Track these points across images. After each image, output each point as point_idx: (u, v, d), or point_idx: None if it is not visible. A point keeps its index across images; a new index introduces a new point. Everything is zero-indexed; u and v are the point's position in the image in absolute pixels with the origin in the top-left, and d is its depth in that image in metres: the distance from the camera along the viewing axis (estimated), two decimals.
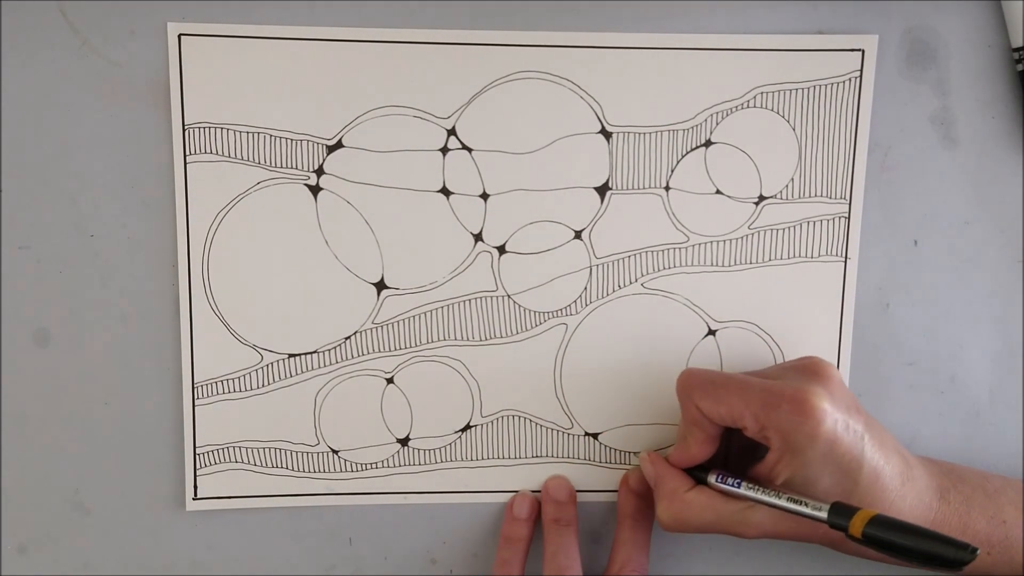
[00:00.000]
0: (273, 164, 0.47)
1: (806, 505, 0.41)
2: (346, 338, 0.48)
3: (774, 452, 0.42)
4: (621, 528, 0.49)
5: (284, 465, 0.49)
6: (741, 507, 0.44)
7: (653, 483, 0.47)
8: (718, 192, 0.48)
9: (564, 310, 0.49)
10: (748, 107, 0.47)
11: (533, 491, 0.50)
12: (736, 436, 0.45)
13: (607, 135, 0.47)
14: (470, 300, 0.48)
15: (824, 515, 0.40)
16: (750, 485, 0.43)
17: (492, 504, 0.50)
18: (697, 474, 0.46)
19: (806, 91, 0.47)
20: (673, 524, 0.45)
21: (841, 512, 0.40)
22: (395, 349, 0.49)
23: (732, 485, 0.44)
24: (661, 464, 0.47)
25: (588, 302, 0.49)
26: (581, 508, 0.50)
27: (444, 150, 0.47)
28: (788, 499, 0.42)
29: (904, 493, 0.43)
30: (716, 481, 0.45)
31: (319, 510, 0.50)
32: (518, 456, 0.50)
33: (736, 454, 0.47)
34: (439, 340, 0.49)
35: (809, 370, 0.44)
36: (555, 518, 0.48)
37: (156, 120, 0.46)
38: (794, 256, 0.49)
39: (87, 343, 0.48)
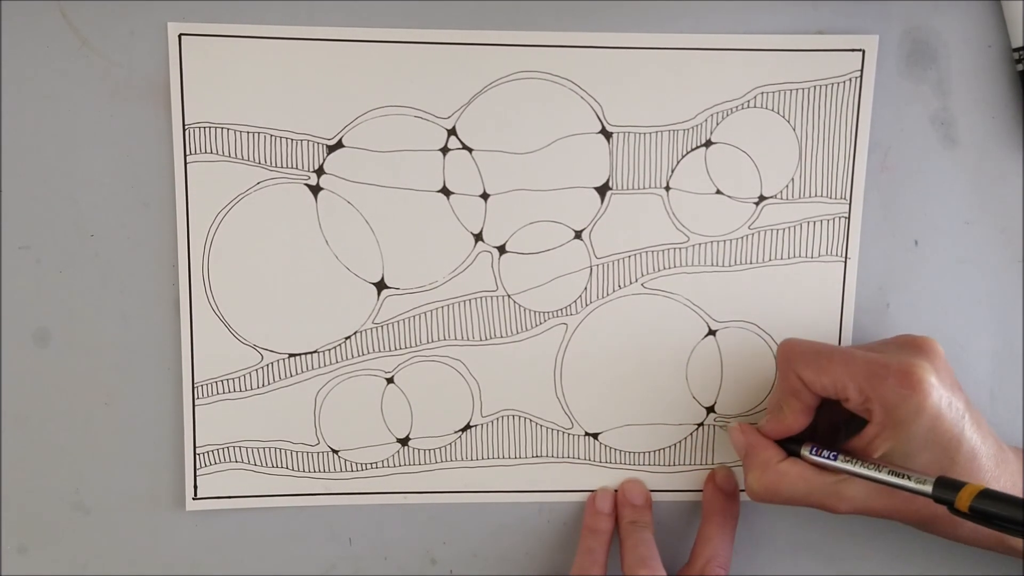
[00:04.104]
0: (273, 164, 0.47)
1: (909, 478, 0.41)
2: (346, 338, 0.48)
3: (874, 425, 0.42)
4: (708, 524, 0.48)
5: (284, 465, 0.49)
6: (835, 480, 0.43)
7: (743, 453, 0.46)
8: (718, 192, 0.48)
9: (564, 310, 0.49)
10: (748, 107, 0.47)
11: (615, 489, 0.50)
12: (823, 412, 0.45)
13: (607, 135, 0.47)
14: (470, 300, 0.48)
15: (928, 488, 0.40)
16: (847, 458, 0.43)
17: (492, 504, 0.50)
18: (789, 446, 0.46)
19: (806, 91, 0.47)
20: (764, 494, 0.45)
21: (947, 486, 0.39)
22: (395, 349, 0.49)
23: (828, 457, 0.44)
24: (753, 434, 0.46)
25: (588, 302, 0.49)
26: (580, 507, 0.50)
27: (444, 150, 0.47)
28: (889, 472, 0.41)
29: (998, 475, 0.43)
30: (810, 453, 0.44)
31: (319, 510, 0.50)
32: (518, 456, 0.50)
33: (823, 430, 0.47)
34: (439, 340, 0.49)
35: (914, 345, 0.44)
36: (632, 520, 0.48)
37: (156, 120, 0.46)
38: (794, 256, 0.49)
39: (87, 343, 0.48)
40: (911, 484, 0.41)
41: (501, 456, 0.50)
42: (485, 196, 0.48)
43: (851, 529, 0.51)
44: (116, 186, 0.47)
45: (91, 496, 0.49)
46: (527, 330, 0.49)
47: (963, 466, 0.42)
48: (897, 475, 0.41)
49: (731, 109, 0.47)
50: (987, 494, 0.39)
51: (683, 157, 0.48)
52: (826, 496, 0.44)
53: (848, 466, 0.43)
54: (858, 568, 0.52)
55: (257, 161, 0.47)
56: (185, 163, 0.46)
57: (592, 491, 0.50)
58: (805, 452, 0.45)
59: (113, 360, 0.48)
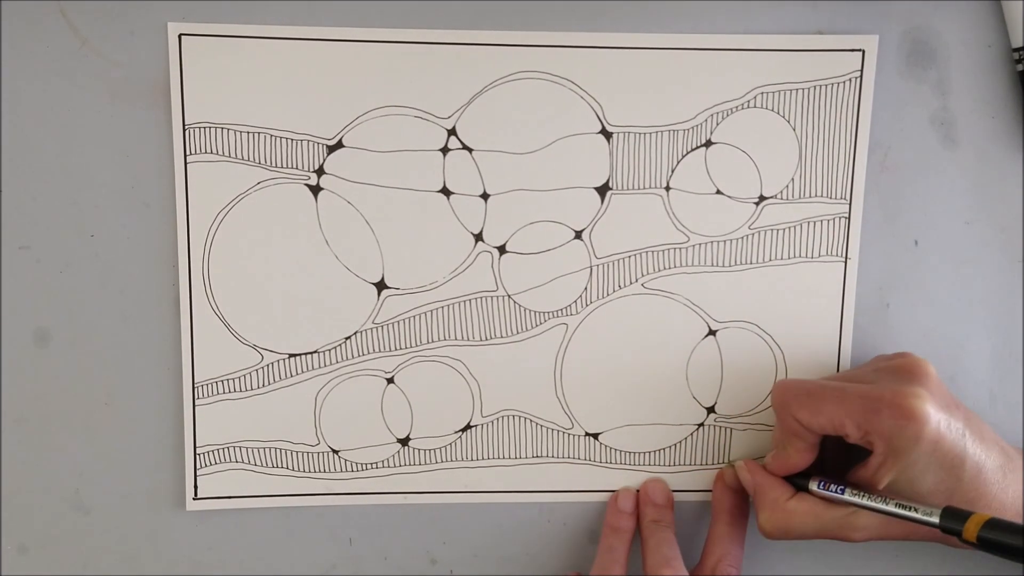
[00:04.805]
0: (273, 164, 0.47)
1: (916, 511, 0.41)
2: (346, 338, 0.48)
3: (877, 456, 0.43)
4: (717, 523, 0.49)
5: (284, 465, 0.49)
6: (845, 513, 0.44)
7: (752, 492, 0.47)
8: (718, 192, 0.48)
9: (564, 310, 0.49)
10: (748, 107, 0.47)
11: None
12: (830, 439, 0.45)
13: (607, 135, 0.47)
14: (470, 300, 0.48)
15: (936, 520, 0.41)
16: (854, 491, 0.43)
17: (492, 504, 0.50)
18: (797, 481, 0.46)
19: (806, 91, 0.47)
20: (777, 533, 0.45)
21: (953, 516, 0.40)
22: (395, 349, 0.49)
23: (836, 491, 0.44)
24: (760, 473, 0.47)
25: (588, 302, 0.49)
26: (580, 507, 0.50)
27: (444, 150, 0.47)
28: (896, 504, 0.42)
29: (1006, 485, 0.43)
30: (818, 488, 0.45)
31: (319, 510, 0.50)
32: (518, 456, 0.50)
33: (831, 457, 0.47)
34: (439, 340, 0.49)
35: (904, 370, 0.44)
36: (654, 519, 0.49)
37: (156, 120, 0.46)
38: (794, 256, 0.49)
39: (87, 343, 0.48)
40: (918, 516, 0.41)
41: (501, 456, 0.50)
42: (485, 196, 0.48)
43: None
44: (116, 186, 0.47)
45: (91, 496, 0.49)
46: (527, 330, 0.49)
47: (969, 484, 0.42)
48: (904, 507, 0.42)
49: (731, 109, 0.47)
50: (993, 524, 0.39)
51: (683, 157, 0.48)
52: (839, 529, 0.44)
53: (856, 499, 0.43)
54: (860, 569, 0.52)
55: (257, 161, 0.47)
56: (185, 163, 0.46)
57: (597, 491, 0.50)
58: (813, 487, 0.45)
59: (113, 360, 0.48)
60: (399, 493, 0.50)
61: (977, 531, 0.39)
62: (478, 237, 0.48)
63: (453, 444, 0.50)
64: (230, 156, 0.46)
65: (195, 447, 0.48)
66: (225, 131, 0.46)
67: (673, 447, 0.50)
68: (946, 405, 0.42)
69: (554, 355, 0.49)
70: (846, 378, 0.45)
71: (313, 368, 0.48)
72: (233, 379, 0.48)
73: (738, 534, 0.48)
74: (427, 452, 0.49)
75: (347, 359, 0.48)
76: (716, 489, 0.50)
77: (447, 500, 0.50)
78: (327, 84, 0.46)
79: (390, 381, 0.49)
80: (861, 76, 0.47)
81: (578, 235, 0.48)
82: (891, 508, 0.42)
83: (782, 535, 0.45)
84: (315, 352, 0.48)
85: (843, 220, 0.49)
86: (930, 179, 0.49)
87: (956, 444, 0.42)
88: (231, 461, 0.49)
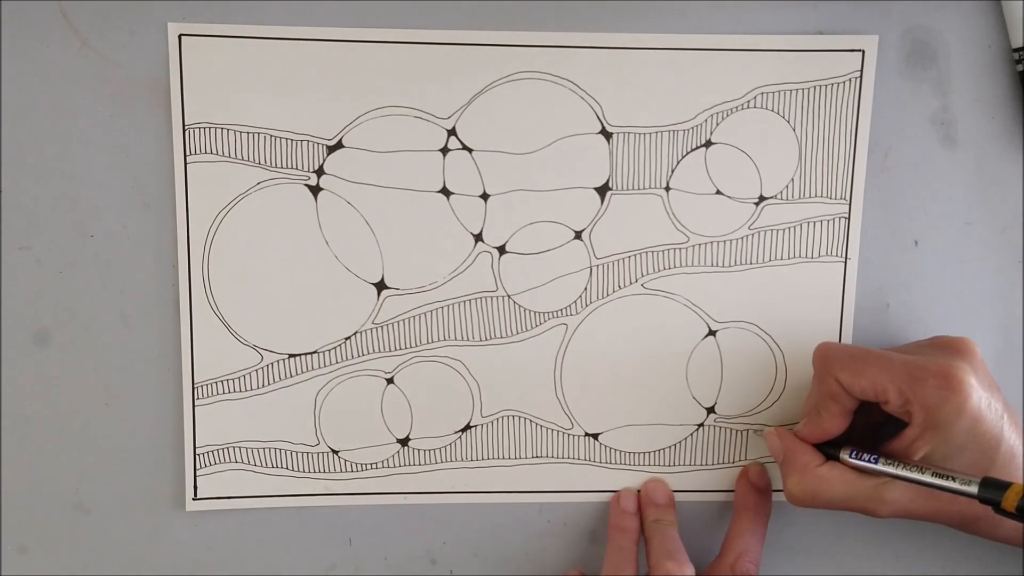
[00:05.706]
0: (273, 164, 0.47)
1: (953, 480, 0.41)
2: (346, 338, 0.48)
3: (915, 427, 0.42)
4: (739, 519, 0.49)
5: (284, 465, 0.49)
6: (876, 484, 0.43)
7: (780, 458, 0.46)
8: (718, 192, 0.48)
9: (564, 310, 0.49)
10: (748, 107, 0.47)
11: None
12: (859, 414, 0.45)
13: (607, 135, 0.47)
14: (470, 300, 0.48)
15: (974, 489, 0.40)
16: (888, 461, 0.43)
17: (492, 504, 0.50)
18: (827, 450, 0.45)
19: (806, 91, 0.47)
20: (804, 498, 0.44)
21: (993, 486, 0.39)
22: (395, 349, 0.49)
23: (869, 461, 0.43)
24: (790, 439, 0.46)
25: (588, 302, 0.49)
26: (580, 507, 0.50)
27: (444, 150, 0.47)
28: (933, 474, 0.41)
29: None
30: (851, 457, 0.44)
31: (319, 510, 0.50)
32: (518, 456, 0.50)
33: (859, 432, 0.46)
34: (439, 340, 0.49)
35: (952, 347, 0.44)
36: (656, 519, 0.49)
37: (156, 120, 0.46)
38: (794, 256, 0.49)
39: (87, 343, 0.48)
40: (956, 486, 0.40)
41: (501, 456, 0.50)
42: (485, 196, 0.48)
43: (852, 530, 0.51)
44: (116, 186, 0.47)
45: (91, 496, 0.49)
46: (527, 330, 0.49)
47: (1002, 466, 0.42)
48: (941, 477, 0.41)
49: (731, 109, 0.47)
50: None
51: (683, 157, 0.48)
52: (867, 500, 0.43)
53: (890, 469, 0.43)
54: (859, 568, 0.52)
55: (257, 161, 0.47)
56: (185, 163, 0.46)
57: (597, 491, 0.50)
58: (845, 456, 0.44)
59: (113, 360, 0.48)
60: (399, 493, 0.50)
61: (1018, 500, 0.38)
62: (478, 237, 0.48)
63: (453, 444, 0.50)
64: (230, 156, 0.46)
65: (195, 447, 0.48)
66: (225, 131, 0.46)
67: (673, 447, 0.50)
68: (988, 385, 0.42)
69: (554, 355, 0.49)
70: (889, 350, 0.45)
71: (313, 368, 0.48)
72: (233, 379, 0.48)
73: (759, 531, 0.48)
74: (427, 452, 0.49)
75: (347, 359, 0.48)
76: (739, 486, 0.50)
77: (447, 500, 0.50)
78: (327, 84, 0.46)
79: (390, 381, 0.49)
80: (861, 76, 0.47)
81: (578, 235, 0.48)
82: (927, 478, 0.41)
83: (810, 501, 0.44)
84: (315, 352, 0.48)
85: (843, 220, 0.49)
86: (930, 179, 0.49)
87: (995, 425, 0.42)
88: (231, 461, 0.49)
